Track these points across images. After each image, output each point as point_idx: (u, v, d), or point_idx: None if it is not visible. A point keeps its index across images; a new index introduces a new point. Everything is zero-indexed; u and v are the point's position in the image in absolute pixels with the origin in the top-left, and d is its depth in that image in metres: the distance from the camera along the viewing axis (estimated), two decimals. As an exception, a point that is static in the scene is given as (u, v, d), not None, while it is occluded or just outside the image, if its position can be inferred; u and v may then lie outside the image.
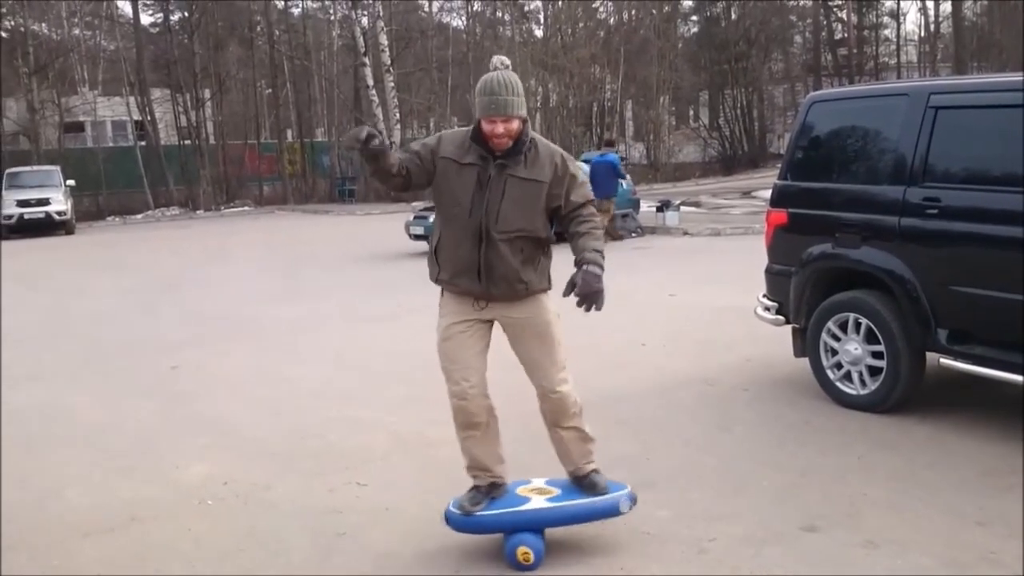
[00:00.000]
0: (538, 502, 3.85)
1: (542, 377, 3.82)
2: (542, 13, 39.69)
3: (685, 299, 9.87)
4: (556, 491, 3.93)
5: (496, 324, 3.88)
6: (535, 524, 3.82)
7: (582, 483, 3.92)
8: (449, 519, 3.88)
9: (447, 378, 3.81)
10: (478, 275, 3.72)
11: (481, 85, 3.63)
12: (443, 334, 3.82)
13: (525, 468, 4.32)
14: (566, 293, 3.58)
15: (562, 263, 3.84)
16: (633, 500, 3.91)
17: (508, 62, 3.71)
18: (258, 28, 38.00)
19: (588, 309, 3.58)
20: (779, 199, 6.23)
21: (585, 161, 17.96)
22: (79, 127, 36.87)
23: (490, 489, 3.89)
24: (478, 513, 3.83)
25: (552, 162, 3.71)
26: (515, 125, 3.63)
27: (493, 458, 3.90)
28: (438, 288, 3.91)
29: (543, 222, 3.77)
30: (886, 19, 45.14)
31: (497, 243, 3.67)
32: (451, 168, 3.71)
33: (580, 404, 3.92)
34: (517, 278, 3.73)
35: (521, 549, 3.74)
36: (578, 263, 3.62)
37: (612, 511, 3.88)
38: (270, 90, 39.52)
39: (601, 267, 3.60)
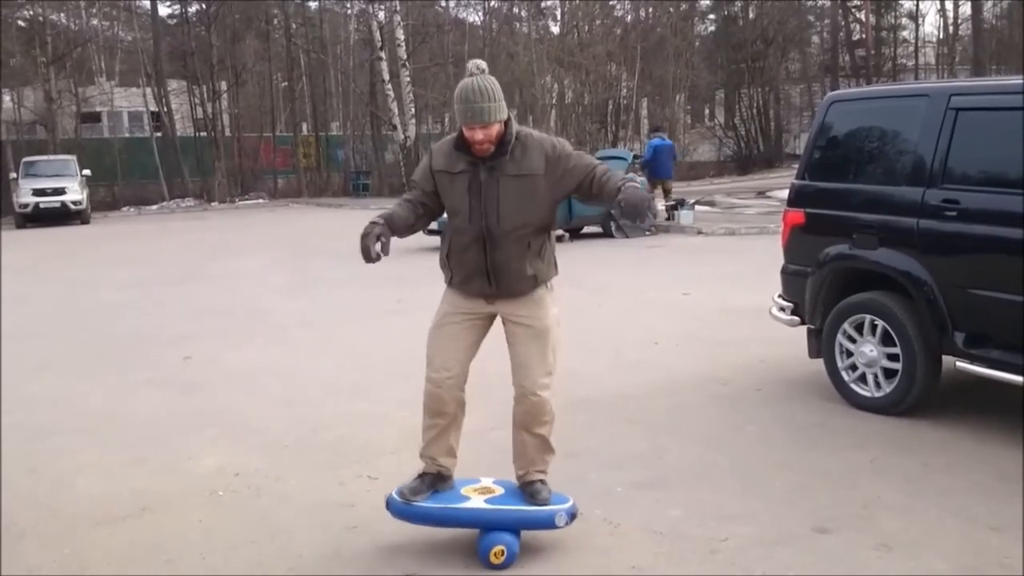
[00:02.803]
0: (476, 502, 3.85)
1: (525, 377, 3.81)
2: (559, 10, 39.61)
3: (699, 298, 9.83)
4: (499, 492, 3.92)
5: (497, 321, 3.90)
6: (468, 523, 3.84)
7: (525, 489, 3.91)
8: (389, 504, 3.92)
9: (428, 363, 3.83)
10: (487, 278, 3.75)
11: (457, 92, 3.61)
12: (438, 321, 3.87)
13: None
14: (618, 218, 3.56)
15: (568, 260, 3.81)
16: (571, 515, 3.86)
17: (484, 66, 3.67)
18: (275, 21, 38.03)
19: (642, 221, 3.51)
20: (796, 199, 6.20)
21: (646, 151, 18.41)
22: (96, 117, 36.97)
23: (435, 480, 3.91)
24: (417, 503, 3.86)
25: (542, 151, 3.69)
26: (494, 130, 3.61)
27: (444, 450, 3.91)
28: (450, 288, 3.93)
29: (545, 212, 3.76)
30: (904, 20, 44.94)
31: (502, 244, 3.69)
32: (445, 179, 3.75)
33: (553, 415, 3.90)
34: (524, 273, 3.75)
35: (495, 549, 3.72)
36: (615, 191, 3.58)
37: (547, 523, 3.84)
38: (286, 83, 39.56)
39: (637, 184, 3.59)
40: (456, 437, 3.94)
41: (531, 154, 3.68)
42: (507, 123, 3.67)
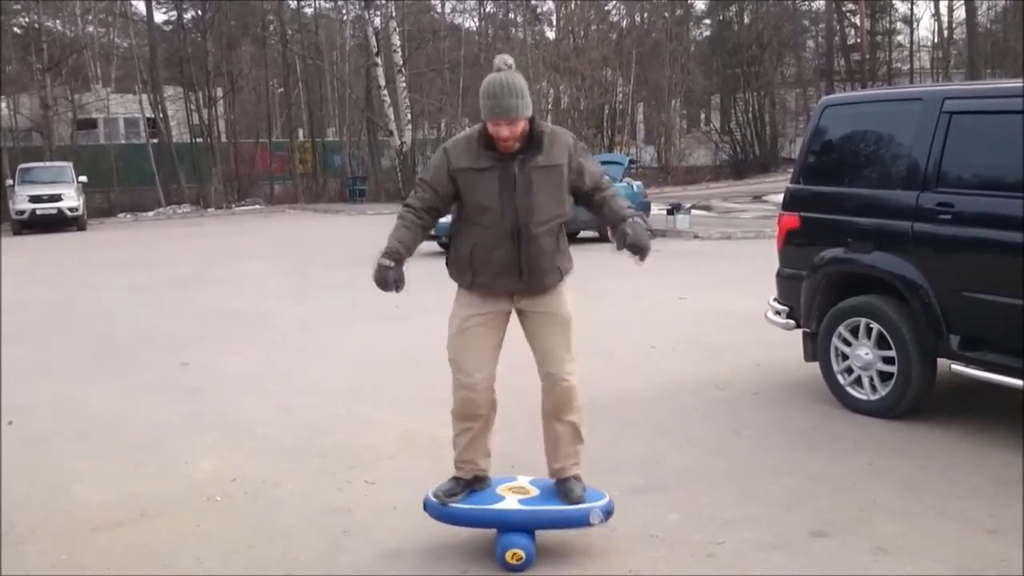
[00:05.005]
0: (510, 502, 3.85)
1: (554, 365, 3.81)
2: (554, 15, 39.72)
3: (695, 302, 9.85)
4: (534, 492, 3.92)
5: (512, 317, 3.90)
6: (502, 524, 3.82)
7: (559, 487, 3.91)
8: (427, 506, 3.93)
9: (456, 369, 3.80)
10: (519, 273, 3.73)
11: (484, 88, 3.60)
12: (460, 325, 3.82)
13: (531, 466, 4.31)
14: (619, 246, 3.67)
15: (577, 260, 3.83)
16: (607, 512, 3.85)
17: (511, 62, 3.66)
18: (271, 27, 38.07)
19: (642, 258, 3.68)
20: (791, 203, 6.21)
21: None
22: (92, 124, 36.94)
23: (471, 482, 3.92)
24: (453, 504, 3.86)
25: (565, 145, 3.75)
26: (520, 127, 3.61)
27: (482, 452, 3.91)
28: (453, 285, 3.91)
29: (566, 204, 3.83)
30: (899, 25, 45.07)
31: (536, 237, 3.70)
32: (470, 177, 3.69)
33: (581, 402, 3.94)
34: (553, 266, 3.79)
35: (511, 552, 3.73)
36: (621, 219, 3.69)
37: (582, 522, 3.83)
38: (282, 89, 39.58)
39: (644, 219, 3.71)
40: (490, 437, 3.93)
41: (558, 145, 3.73)
42: (532, 119, 3.67)
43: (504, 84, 3.55)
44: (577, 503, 3.83)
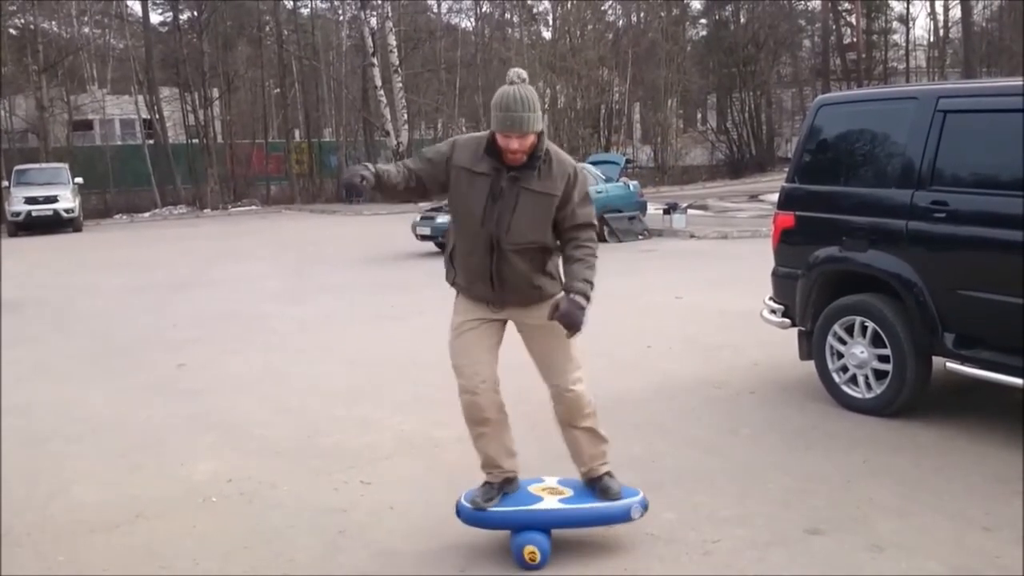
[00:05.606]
0: (550, 502, 3.85)
1: (557, 376, 3.82)
2: (551, 15, 39.71)
3: (692, 302, 9.86)
4: (569, 492, 3.93)
5: (511, 324, 3.90)
6: (546, 524, 3.82)
7: (595, 486, 3.92)
8: (460, 512, 3.89)
9: (458, 374, 3.81)
10: (491, 283, 3.74)
11: (497, 99, 3.60)
12: (456, 330, 3.84)
13: (530, 468, 4.33)
14: (550, 316, 3.62)
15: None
16: (645, 507, 3.90)
17: (525, 75, 3.67)
18: (267, 28, 38.00)
19: (570, 335, 3.64)
20: (786, 202, 6.23)
21: None
22: (88, 125, 36.90)
23: (503, 485, 3.90)
24: (490, 509, 3.84)
25: (565, 175, 3.69)
26: (529, 141, 3.60)
27: (503, 453, 3.90)
28: (449, 286, 3.93)
29: (551, 233, 3.77)
30: (895, 24, 45.11)
31: (508, 254, 3.68)
32: (463, 177, 3.71)
33: (594, 405, 3.93)
34: (530, 284, 3.76)
35: (528, 548, 3.74)
36: (566, 290, 3.64)
37: (623, 517, 3.87)
38: (278, 90, 39.51)
39: (588, 298, 3.61)
40: (509, 437, 3.91)
41: (555, 173, 3.67)
42: (540, 135, 3.65)
43: (517, 97, 3.56)
44: (615, 499, 3.86)
